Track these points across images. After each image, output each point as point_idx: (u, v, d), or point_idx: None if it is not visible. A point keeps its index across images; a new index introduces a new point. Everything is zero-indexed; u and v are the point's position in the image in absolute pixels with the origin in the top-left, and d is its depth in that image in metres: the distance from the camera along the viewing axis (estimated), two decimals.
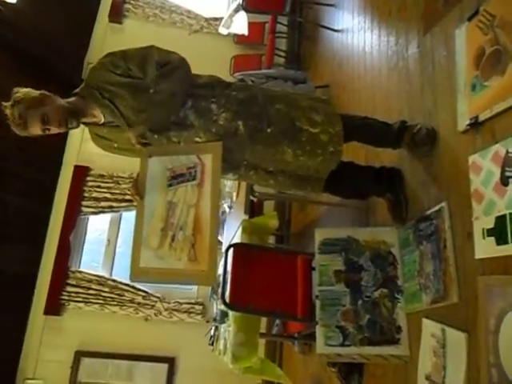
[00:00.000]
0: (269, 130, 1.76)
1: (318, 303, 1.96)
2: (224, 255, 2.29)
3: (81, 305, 4.19)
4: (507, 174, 1.41)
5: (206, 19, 5.34)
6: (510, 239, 1.35)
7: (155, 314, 4.23)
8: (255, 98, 1.80)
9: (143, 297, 4.25)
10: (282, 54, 5.18)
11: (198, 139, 1.78)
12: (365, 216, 2.44)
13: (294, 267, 2.26)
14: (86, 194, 4.47)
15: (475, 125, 1.58)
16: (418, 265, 1.82)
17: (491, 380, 1.34)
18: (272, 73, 3.98)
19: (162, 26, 5.26)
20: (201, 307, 4.27)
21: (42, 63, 4.05)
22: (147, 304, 4.25)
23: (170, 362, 4.18)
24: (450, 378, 1.56)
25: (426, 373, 1.68)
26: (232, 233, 3.04)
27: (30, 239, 4.21)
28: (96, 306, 4.20)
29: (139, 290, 4.26)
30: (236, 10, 4.61)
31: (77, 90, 1.78)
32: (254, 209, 3.48)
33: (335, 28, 3.81)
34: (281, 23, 5.05)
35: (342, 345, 1.87)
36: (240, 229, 2.78)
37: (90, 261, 4.60)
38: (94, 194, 4.48)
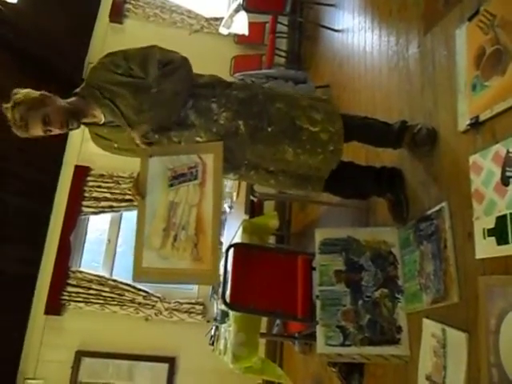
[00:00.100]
0: (269, 129, 1.76)
1: (318, 303, 1.96)
2: (224, 255, 2.29)
3: (81, 305, 4.19)
4: (508, 173, 1.40)
5: (207, 19, 5.34)
6: (510, 239, 1.35)
7: (156, 314, 4.23)
8: (256, 98, 1.80)
9: (144, 297, 4.25)
10: (283, 54, 5.18)
11: (198, 139, 1.78)
12: (365, 216, 2.44)
13: (295, 267, 2.26)
14: (86, 194, 4.47)
15: (476, 125, 1.58)
16: (419, 265, 1.82)
17: (492, 380, 1.34)
18: (272, 73, 3.98)
19: (163, 26, 5.26)
20: (201, 307, 4.27)
21: (42, 63, 4.06)
22: (148, 304, 4.25)
23: (171, 361, 4.18)
24: (451, 377, 1.56)
25: (427, 373, 1.68)
26: (232, 233, 3.04)
27: (30, 239, 4.21)
28: (96, 305, 4.20)
29: (140, 289, 4.26)
30: (236, 10, 4.61)
31: (77, 90, 1.78)
32: (254, 209, 3.48)
33: (336, 28, 3.81)
34: (281, 23, 5.05)
35: (343, 345, 1.87)
36: (240, 229, 2.78)
37: (91, 261, 4.60)
38: (95, 194, 4.48)
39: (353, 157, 2.16)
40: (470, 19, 1.69)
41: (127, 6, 5.23)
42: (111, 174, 4.52)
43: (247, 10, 4.43)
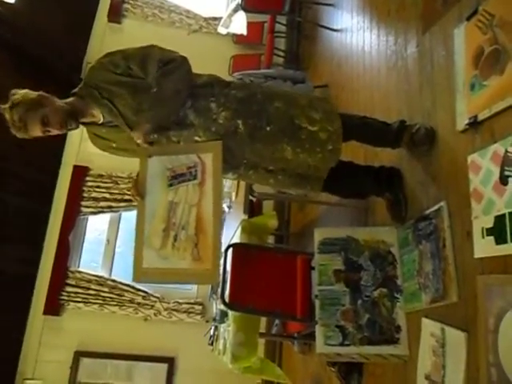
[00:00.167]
0: (268, 128, 1.76)
1: (317, 303, 1.96)
2: (223, 255, 2.29)
3: (80, 305, 4.18)
4: (506, 173, 1.41)
5: (205, 19, 5.33)
6: (509, 238, 1.35)
7: (155, 314, 4.23)
8: (254, 97, 1.80)
9: (143, 297, 4.25)
10: (281, 53, 5.17)
11: (197, 138, 1.78)
12: (364, 216, 2.44)
13: (294, 267, 2.26)
14: (85, 194, 4.47)
15: (474, 124, 1.58)
16: (418, 264, 1.82)
17: (490, 379, 1.34)
18: (271, 73, 3.98)
19: (161, 26, 5.25)
20: (200, 307, 4.26)
21: (40, 63, 4.05)
22: (147, 304, 4.24)
23: (170, 362, 4.18)
24: (450, 377, 1.56)
25: (426, 372, 1.68)
26: (231, 233, 3.04)
27: (29, 239, 4.21)
28: (95, 306, 4.19)
29: (139, 290, 4.25)
30: (235, 10, 4.61)
31: (75, 90, 1.78)
32: (253, 209, 3.48)
33: (334, 28, 3.81)
34: (280, 23, 5.05)
35: (342, 344, 1.87)
36: (239, 229, 2.78)
37: (90, 261, 4.60)
38: (93, 194, 4.47)
39: (351, 156, 2.16)
40: (468, 19, 1.69)
41: (126, 5, 5.22)
42: (110, 174, 4.51)
43: (246, 10, 4.43)
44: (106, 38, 5.05)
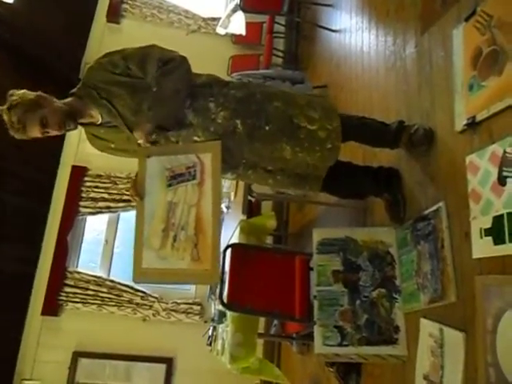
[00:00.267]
0: (267, 128, 1.76)
1: (316, 303, 1.96)
2: (222, 255, 2.29)
3: (78, 305, 4.18)
4: (504, 173, 1.41)
5: (204, 19, 5.33)
6: (507, 239, 1.35)
7: (153, 315, 4.23)
8: (253, 96, 1.80)
9: (141, 297, 4.25)
10: (280, 54, 5.17)
11: (196, 138, 1.78)
12: (363, 216, 2.45)
13: (292, 267, 2.26)
14: (83, 195, 4.46)
15: (472, 125, 1.59)
16: (416, 265, 1.82)
17: (489, 379, 1.34)
18: (270, 73, 3.98)
19: (160, 26, 5.25)
20: (199, 307, 4.26)
21: (38, 63, 4.05)
22: (145, 304, 4.24)
23: (168, 362, 4.18)
24: (448, 377, 1.56)
25: (424, 372, 1.69)
26: (230, 233, 3.04)
27: (27, 239, 4.20)
28: (94, 306, 4.19)
29: (137, 290, 4.25)
30: (234, 10, 4.61)
31: (74, 90, 1.77)
32: (251, 209, 3.48)
33: (333, 28, 3.82)
34: (278, 23, 5.05)
35: (340, 345, 1.87)
36: (238, 229, 2.78)
37: (88, 261, 4.59)
38: (92, 195, 4.47)
39: (350, 157, 2.16)
40: (466, 19, 1.70)
41: (124, 5, 5.22)
42: (108, 175, 4.51)
43: (244, 10, 4.43)
44: (104, 39, 5.04)
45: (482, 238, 1.46)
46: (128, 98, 1.72)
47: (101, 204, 4.47)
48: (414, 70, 2.14)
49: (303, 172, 1.86)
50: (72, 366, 4.06)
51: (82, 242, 4.60)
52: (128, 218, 4.57)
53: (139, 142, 1.74)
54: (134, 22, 5.23)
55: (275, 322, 3.19)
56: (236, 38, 5.19)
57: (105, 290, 4.23)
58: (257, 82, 3.16)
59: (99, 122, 1.80)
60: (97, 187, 4.49)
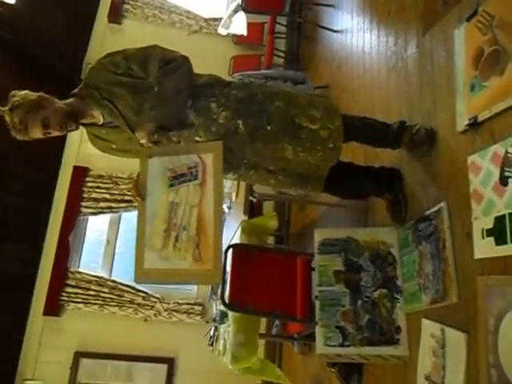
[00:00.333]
0: (268, 128, 1.76)
1: (317, 304, 1.96)
2: (223, 256, 2.29)
3: (80, 305, 4.19)
4: (506, 174, 1.41)
5: (205, 20, 5.34)
6: (509, 239, 1.35)
7: (155, 315, 4.23)
8: (255, 96, 1.80)
9: (143, 297, 4.25)
10: (281, 54, 5.18)
11: (198, 138, 1.78)
12: (364, 216, 2.44)
13: (294, 268, 2.26)
14: (85, 195, 4.47)
15: (474, 125, 1.58)
16: (418, 265, 1.82)
17: (490, 380, 1.34)
18: (271, 73, 3.98)
19: (161, 27, 5.25)
20: (200, 308, 4.26)
21: (40, 64, 4.05)
22: (147, 305, 4.24)
23: (170, 362, 4.18)
24: (450, 378, 1.56)
25: (426, 373, 1.68)
26: (231, 233, 3.04)
27: (29, 239, 4.21)
28: (95, 306, 4.20)
29: (139, 290, 4.25)
30: (235, 11, 4.61)
31: (75, 91, 1.78)
32: (253, 209, 3.48)
33: (334, 28, 3.82)
34: (280, 24, 5.06)
35: (342, 345, 1.87)
36: (239, 229, 2.78)
37: (90, 261, 4.60)
38: (93, 195, 4.47)
39: (351, 157, 2.16)
40: (468, 20, 1.69)
41: (126, 6, 5.23)
42: (110, 175, 4.52)
43: (246, 11, 4.43)
44: (106, 39, 5.05)
45: (483, 238, 1.46)
46: (130, 99, 1.72)
47: (102, 204, 4.47)
48: (416, 70, 2.14)
49: (305, 172, 1.86)
50: (73, 366, 4.06)
51: (83, 243, 4.60)
52: (129, 218, 4.58)
53: (141, 142, 1.74)
54: (135, 23, 5.24)
55: (277, 322, 3.19)
56: (237, 39, 5.19)
57: (106, 290, 4.24)
58: (258, 82, 3.16)
59: (101, 123, 1.81)
60: (98, 187, 4.50)
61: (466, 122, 1.62)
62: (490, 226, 1.43)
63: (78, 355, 4.10)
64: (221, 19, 4.94)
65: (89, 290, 4.22)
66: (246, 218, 3.09)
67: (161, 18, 5.27)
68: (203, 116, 1.76)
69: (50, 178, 4.44)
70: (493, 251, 1.41)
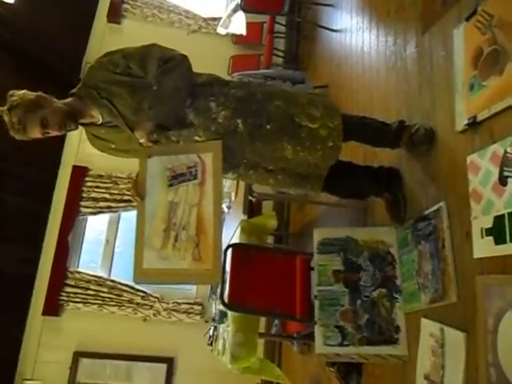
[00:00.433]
0: (268, 127, 1.76)
1: (316, 303, 1.96)
2: (223, 255, 2.28)
3: (79, 305, 4.18)
4: (505, 173, 1.41)
5: (205, 19, 5.34)
6: (508, 239, 1.35)
7: (154, 315, 4.23)
8: (254, 96, 1.80)
9: (142, 297, 4.25)
10: (281, 54, 5.17)
11: (197, 138, 1.78)
12: (363, 216, 2.45)
13: (293, 267, 2.26)
14: (84, 195, 4.47)
15: (473, 125, 1.59)
16: (417, 264, 1.82)
17: (490, 379, 1.34)
18: (270, 73, 3.98)
19: (161, 26, 5.25)
20: (200, 307, 4.26)
21: (39, 63, 4.05)
22: (146, 304, 4.24)
23: (169, 362, 4.18)
24: (449, 377, 1.56)
25: (425, 372, 1.68)
26: (230, 233, 3.04)
27: (28, 239, 4.21)
28: (95, 306, 4.19)
29: (138, 290, 4.25)
30: (234, 10, 4.61)
31: (74, 90, 1.77)
32: (252, 209, 3.48)
33: (333, 28, 3.82)
34: (279, 23, 5.05)
35: (341, 344, 1.87)
36: (239, 229, 2.78)
37: (89, 261, 4.59)
38: (93, 195, 4.47)
39: (351, 156, 2.16)
40: (467, 19, 1.70)
41: (125, 6, 5.22)
42: (109, 175, 4.52)
43: (245, 10, 4.43)
44: (105, 39, 5.05)
45: (482, 237, 1.46)
46: (128, 98, 1.72)
47: (102, 204, 4.47)
48: (415, 69, 2.14)
49: (304, 171, 1.86)
50: (73, 365, 4.06)
51: (82, 242, 4.60)
52: (129, 217, 4.57)
53: (140, 141, 1.74)
54: (134, 22, 5.23)
55: (276, 321, 3.19)
56: (237, 38, 5.19)
57: (105, 289, 4.24)
58: (257, 82, 3.16)
59: (100, 122, 1.80)
60: (98, 187, 4.50)
61: (465, 122, 1.62)
62: (490, 225, 1.43)
63: (78, 355, 4.10)
64: (220, 19, 4.94)
65: (88, 289, 4.22)
66: (245, 217, 3.09)
67: (160, 18, 5.27)
68: (202, 115, 1.75)
69: (49, 177, 4.44)
70: (492, 250, 1.41)
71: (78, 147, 4.50)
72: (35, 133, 1.67)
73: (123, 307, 4.21)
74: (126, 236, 4.60)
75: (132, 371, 4.17)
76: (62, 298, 4.18)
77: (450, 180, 1.73)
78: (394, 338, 1.84)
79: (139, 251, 1.79)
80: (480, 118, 1.55)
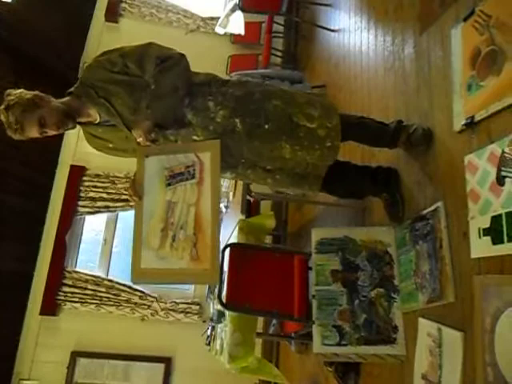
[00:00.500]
0: (266, 126, 1.76)
1: (314, 303, 1.96)
2: (221, 255, 2.28)
3: (77, 305, 4.17)
4: (503, 173, 1.41)
5: (203, 19, 5.33)
6: (505, 238, 1.35)
7: (152, 314, 4.22)
8: (252, 95, 1.79)
9: (140, 297, 4.24)
10: (279, 53, 5.18)
11: (195, 137, 1.78)
12: (361, 216, 2.45)
13: (291, 267, 2.26)
14: (82, 194, 4.45)
15: (471, 125, 1.59)
16: (415, 264, 1.82)
17: (487, 379, 1.35)
18: (268, 73, 3.97)
19: (159, 26, 5.24)
20: (197, 307, 4.26)
21: (37, 62, 4.04)
22: (144, 304, 4.24)
23: (167, 362, 4.17)
24: (446, 377, 1.56)
25: (423, 372, 1.69)
26: (228, 233, 3.04)
27: (26, 238, 4.19)
28: (92, 306, 4.18)
29: (136, 290, 4.24)
30: (232, 10, 4.60)
31: (71, 89, 1.76)
32: (250, 208, 3.48)
33: (332, 28, 3.82)
34: (277, 23, 5.06)
35: (339, 344, 1.87)
36: (236, 229, 2.78)
37: (87, 261, 4.58)
38: (90, 194, 4.46)
39: (349, 156, 2.17)
40: (465, 19, 1.70)
41: (123, 5, 5.21)
42: (107, 174, 4.50)
43: (243, 10, 4.42)
44: (103, 38, 5.04)
45: (480, 237, 1.46)
46: (126, 97, 1.71)
47: (99, 203, 4.46)
48: (413, 70, 2.14)
49: (302, 171, 1.86)
50: (70, 365, 4.05)
51: (80, 242, 4.59)
52: (126, 217, 4.56)
53: (138, 140, 1.73)
54: (132, 22, 5.22)
55: (274, 321, 3.19)
56: (235, 38, 5.19)
57: (103, 289, 4.23)
58: (256, 81, 3.16)
59: (97, 121, 1.80)
60: (95, 187, 4.48)
61: (463, 122, 1.62)
62: (487, 225, 1.43)
63: (75, 355, 4.08)
64: (218, 18, 4.93)
65: (86, 289, 4.21)
66: (243, 217, 3.09)
67: (158, 17, 5.26)
68: (201, 115, 1.75)
69: (46, 177, 4.42)
70: (489, 250, 1.41)
71: (76, 146, 4.50)
72: (33, 132, 1.66)
73: (121, 307, 4.20)
74: (124, 236, 4.59)
75: (130, 371, 4.16)
76: (59, 297, 4.17)
77: (447, 180, 1.73)
78: (391, 338, 1.85)
79: (137, 251, 1.79)
80: (478, 118, 1.55)
